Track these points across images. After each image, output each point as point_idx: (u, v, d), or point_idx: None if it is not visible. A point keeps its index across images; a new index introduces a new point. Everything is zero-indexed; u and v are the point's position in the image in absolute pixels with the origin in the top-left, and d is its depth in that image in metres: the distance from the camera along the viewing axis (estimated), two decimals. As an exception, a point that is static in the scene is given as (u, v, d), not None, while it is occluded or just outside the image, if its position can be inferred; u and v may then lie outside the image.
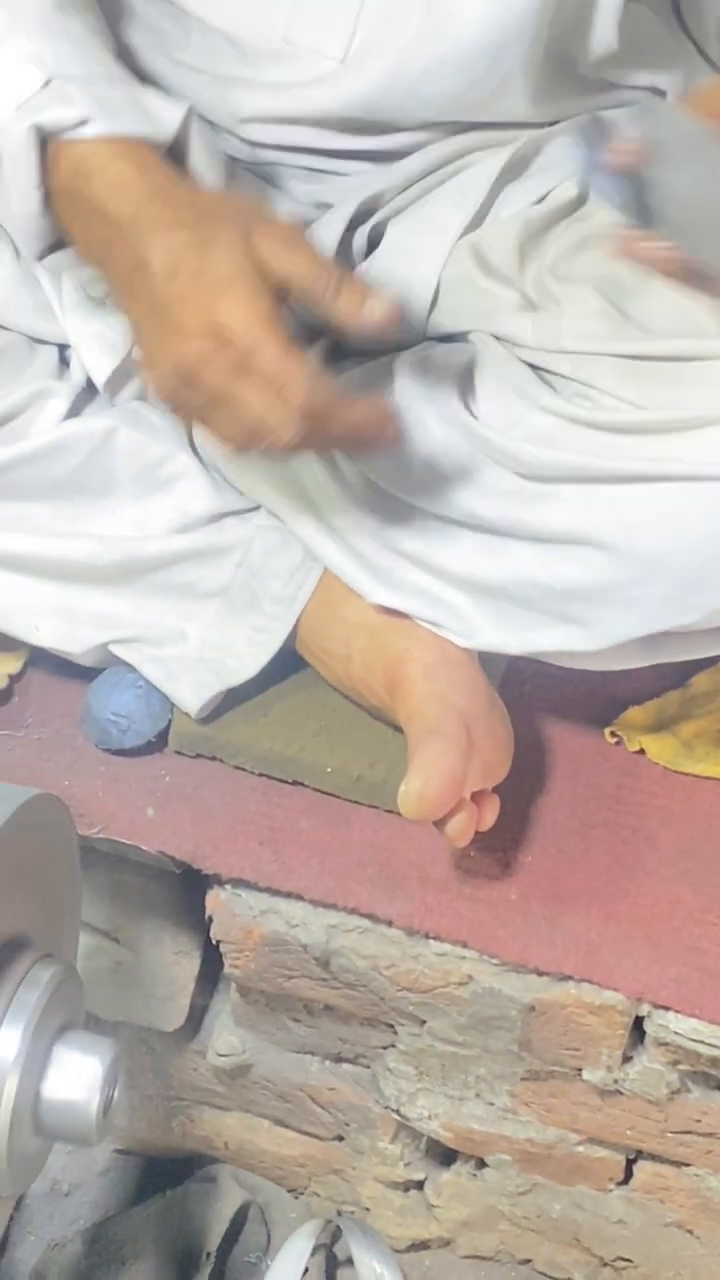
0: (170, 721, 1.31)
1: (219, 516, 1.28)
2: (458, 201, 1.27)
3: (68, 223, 1.14)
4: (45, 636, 1.29)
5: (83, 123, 1.11)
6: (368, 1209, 1.56)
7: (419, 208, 1.29)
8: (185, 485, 1.28)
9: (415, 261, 1.25)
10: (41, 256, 1.19)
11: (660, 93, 1.31)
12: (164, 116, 1.15)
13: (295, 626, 1.29)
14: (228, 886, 1.27)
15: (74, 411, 1.27)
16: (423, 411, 1.21)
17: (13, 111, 1.11)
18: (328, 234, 1.27)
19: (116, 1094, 1.01)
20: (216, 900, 1.28)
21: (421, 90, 1.24)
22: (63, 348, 1.31)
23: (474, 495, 1.18)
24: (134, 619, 1.29)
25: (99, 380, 1.26)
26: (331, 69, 1.25)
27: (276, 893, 1.25)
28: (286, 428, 1.07)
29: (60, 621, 1.29)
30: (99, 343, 1.26)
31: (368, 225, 1.28)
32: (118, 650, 1.30)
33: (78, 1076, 0.99)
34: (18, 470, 1.25)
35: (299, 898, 1.25)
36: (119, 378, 1.26)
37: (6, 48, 1.13)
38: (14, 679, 1.36)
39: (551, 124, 1.30)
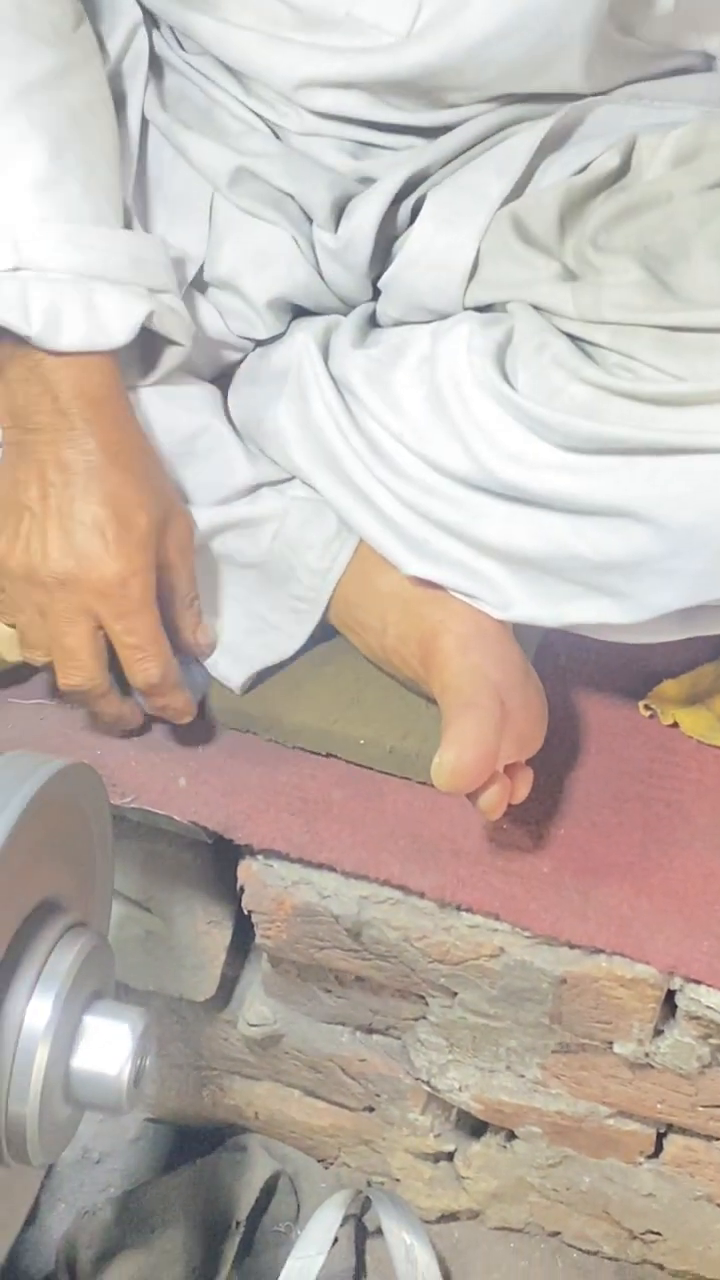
0: (206, 694, 1.31)
1: (255, 488, 1.28)
2: (499, 170, 1.26)
3: (9, 390, 1.19)
4: None
5: (33, 329, 1.15)
6: (398, 1180, 1.56)
7: (460, 176, 1.28)
8: (220, 457, 1.28)
9: (455, 230, 1.24)
10: None
11: (710, 57, 1.30)
12: (115, 327, 1.18)
13: (330, 598, 1.28)
14: (260, 857, 1.27)
15: None
16: (461, 380, 1.20)
17: None
18: (371, 208, 1.26)
19: (148, 1063, 1.01)
20: (248, 871, 1.28)
21: (481, 55, 1.23)
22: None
23: (511, 466, 1.17)
24: None
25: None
26: (393, 41, 1.24)
27: (309, 864, 1.25)
28: (94, 683, 1.21)
29: None
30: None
31: (411, 199, 1.28)
32: None
33: (109, 1046, 0.99)
34: None
35: (331, 869, 1.25)
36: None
37: None
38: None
39: (596, 95, 1.29)
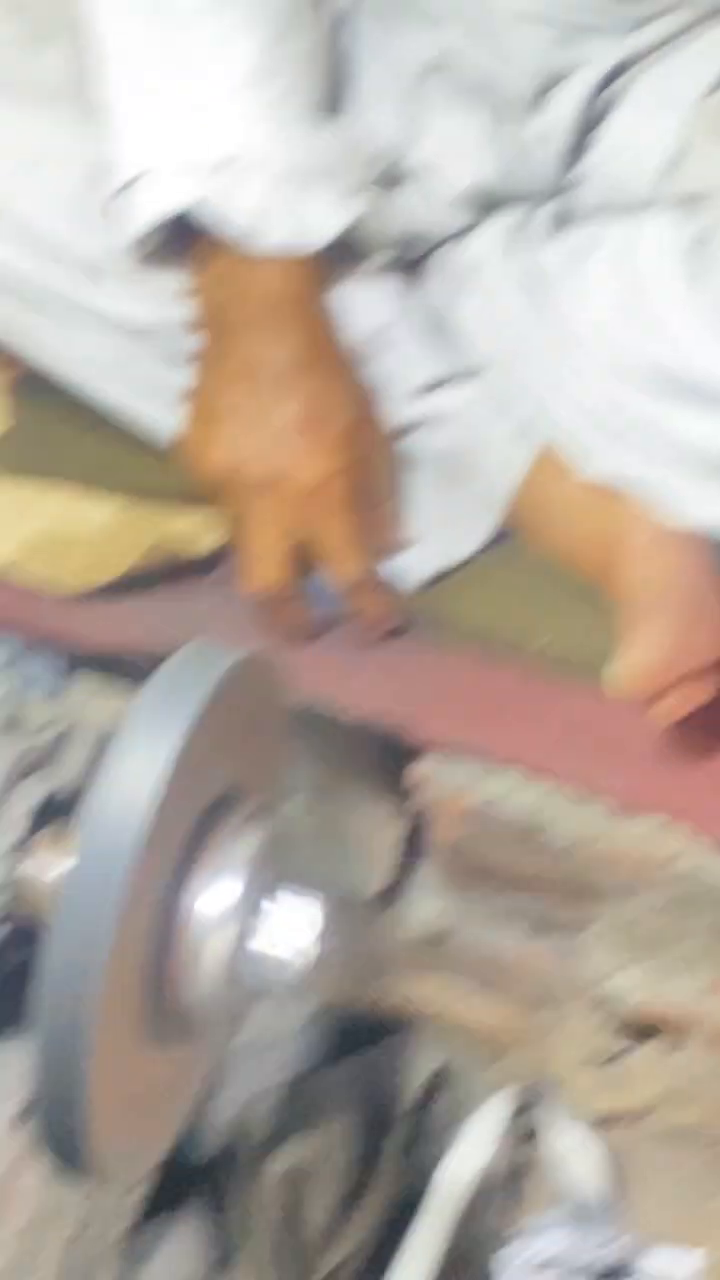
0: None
1: (440, 383, 1.27)
2: (703, 60, 1.23)
3: (209, 288, 1.20)
4: None
5: (237, 229, 1.15)
6: (562, 1081, 1.57)
7: (663, 66, 1.25)
8: (407, 351, 1.27)
9: (656, 120, 1.22)
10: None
11: None
12: (317, 232, 1.17)
13: (510, 497, 1.28)
14: (435, 755, 1.27)
15: None
16: (656, 274, 1.18)
17: (176, 171, 1.16)
18: (572, 98, 1.24)
19: (325, 950, 1.02)
20: (423, 768, 1.28)
21: None
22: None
23: (703, 364, 1.16)
24: None
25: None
26: None
27: (485, 762, 1.25)
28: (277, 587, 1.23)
29: None
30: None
31: (612, 88, 1.25)
32: None
33: (287, 931, 1.00)
34: None
35: (507, 768, 1.25)
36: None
37: (205, 105, 1.16)
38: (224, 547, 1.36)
39: None
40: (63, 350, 1.30)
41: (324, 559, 1.22)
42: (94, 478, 1.39)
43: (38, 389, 1.40)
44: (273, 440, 1.17)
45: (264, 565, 1.21)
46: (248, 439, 1.18)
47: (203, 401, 1.20)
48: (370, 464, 1.21)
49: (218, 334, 1.19)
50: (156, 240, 1.20)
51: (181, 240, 1.20)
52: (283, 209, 1.16)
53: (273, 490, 1.18)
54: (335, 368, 1.19)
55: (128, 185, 1.17)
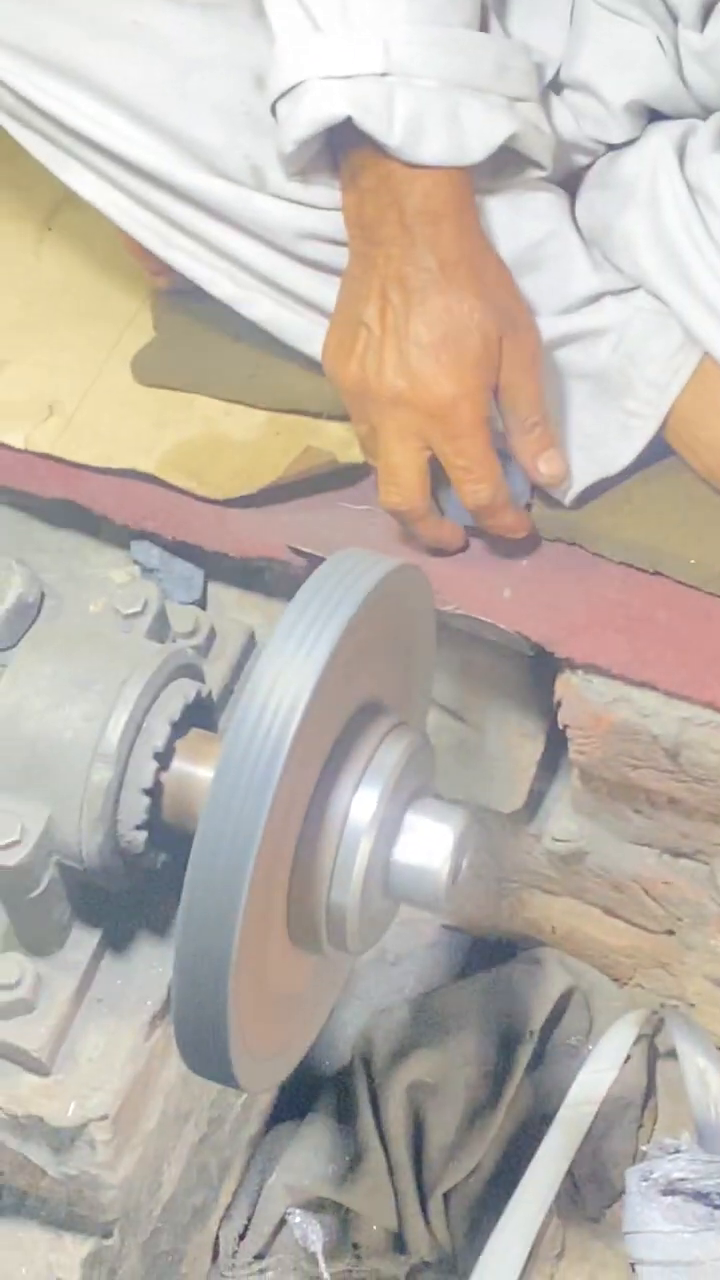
0: (529, 505, 1.29)
1: (598, 297, 1.26)
2: None
3: (359, 199, 1.18)
4: None
5: (393, 140, 1.14)
6: (693, 1005, 1.56)
7: None
8: (565, 264, 1.25)
9: None
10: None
11: None
12: (475, 144, 1.16)
13: (667, 414, 1.26)
14: (580, 672, 1.26)
15: None
16: None
17: (335, 80, 1.14)
18: None
19: (466, 863, 1.02)
20: (567, 685, 1.28)
21: None
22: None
23: None
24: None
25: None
26: None
27: (630, 681, 1.24)
28: (411, 504, 1.21)
29: None
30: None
31: None
32: None
33: (430, 842, 1.00)
34: None
35: (653, 688, 1.24)
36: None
37: (365, 13, 1.15)
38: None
39: None
40: (215, 260, 1.29)
41: (453, 480, 1.20)
42: (238, 391, 1.39)
43: (183, 301, 1.40)
44: (408, 356, 1.16)
45: (398, 480, 1.20)
46: (385, 353, 1.17)
47: (345, 313, 1.19)
48: (515, 383, 1.19)
49: (366, 246, 1.18)
50: (314, 149, 1.19)
51: (338, 150, 1.19)
52: (440, 120, 1.14)
53: (406, 406, 1.17)
54: (482, 284, 1.17)
55: (286, 93, 1.16)
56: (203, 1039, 0.94)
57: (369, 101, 1.14)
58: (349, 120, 1.14)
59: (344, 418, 1.30)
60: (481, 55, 1.17)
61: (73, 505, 1.37)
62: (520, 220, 1.25)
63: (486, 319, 1.16)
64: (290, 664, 0.91)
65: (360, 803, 0.98)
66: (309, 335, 1.29)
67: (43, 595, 1.35)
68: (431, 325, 1.16)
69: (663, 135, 1.26)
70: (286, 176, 1.22)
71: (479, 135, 1.16)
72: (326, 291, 1.25)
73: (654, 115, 1.30)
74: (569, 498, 1.27)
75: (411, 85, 1.14)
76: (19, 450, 1.38)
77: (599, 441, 1.26)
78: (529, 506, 1.29)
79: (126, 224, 1.31)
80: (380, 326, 1.17)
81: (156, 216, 1.30)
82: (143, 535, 1.36)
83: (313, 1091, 1.60)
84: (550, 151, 1.23)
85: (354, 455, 1.31)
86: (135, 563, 1.37)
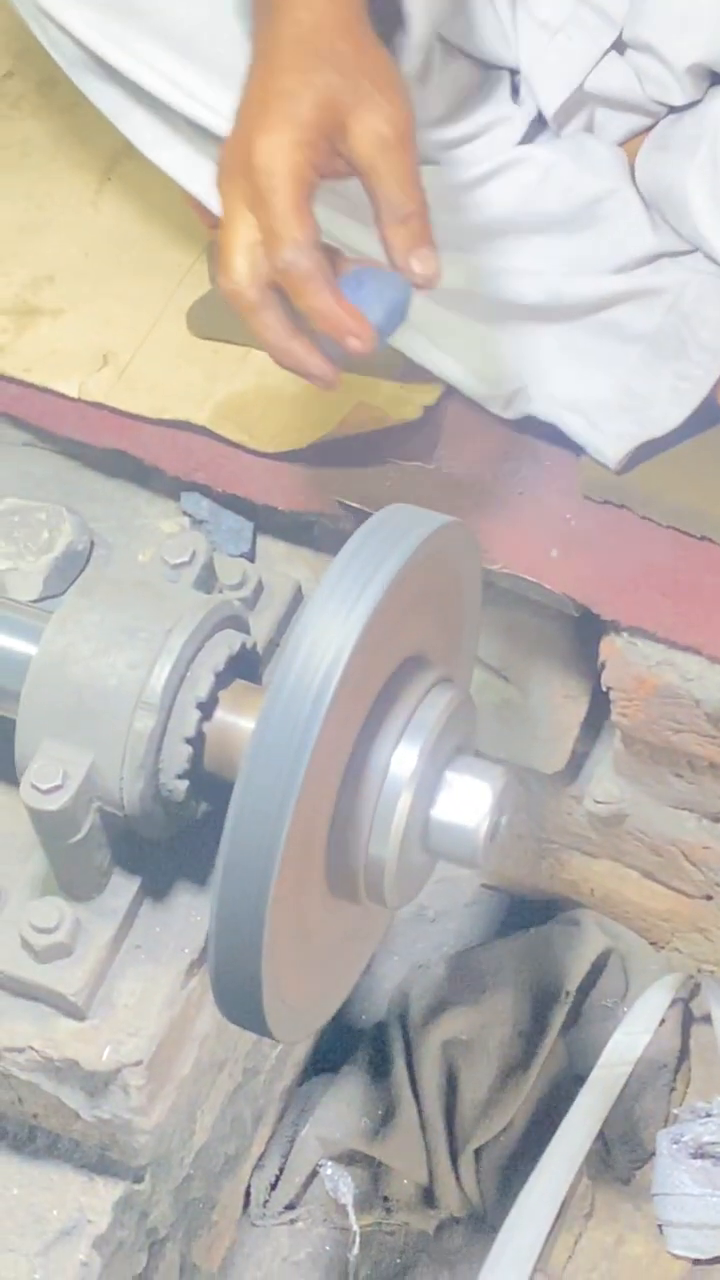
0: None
1: (655, 257, 1.25)
2: None
3: None
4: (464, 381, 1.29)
5: None
6: (729, 970, 1.57)
7: None
8: (623, 223, 1.25)
9: None
10: None
11: None
12: None
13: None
14: (625, 634, 1.26)
15: (526, 139, 1.25)
16: None
17: None
18: None
19: (504, 821, 1.02)
20: (612, 647, 1.28)
21: None
22: (514, 74, 1.28)
23: None
24: (554, 366, 1.28)
25: (548, 110, 1.23)
26: None
27: (675, 645, 1.24)
28: (246, 282, 1.01)
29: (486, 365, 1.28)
30: (551, 73, 1.24)
31: None
32: (534, 411, 1.29)
33: (469, 799, 1.00)
34: (460, 198, 1.23)
35: (698, 652, 1.24)
36: (568, 109, 1.24)
37: None
38: (429, 410, 1.35)
39: None
40: None
41: (262, 233, 1.01)
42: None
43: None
44: (244, 115, 1.01)
45: (224, 258, 1.02)
46: (236, 125, 1.03)
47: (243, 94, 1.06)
48: (373, 165, 1.02)
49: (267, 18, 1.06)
50: None
51: None
52: None
53: (228, 166, 1.02)
54: (336, 55, 1.02)
55: None
56: (237, 985, 0.94)
57: None
58: None
59: (396, 376, 1.30)
60: None
61: (125, 456, 1.38)
62: (581, 176, 1.24)
63: (329, 83, 1.02)
64: (334, 618, 0.91)
65: (401, 758, 0.98)
66: None
67: (92, 544, 1.35)
68: (267, 84, 1.03)
69: None
70: None
71: None
72: (369, 242, 1.24)
73: (716, 78, 1.29)
74: (615, 461, 1.26)
75: None
76: (73, 399, 1.39)
77: (648, 403, 1.26)
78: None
79: (185, 179, 1.30)
80: (251, 77, 1.06)
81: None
82: (193, 487, 1.37)
83: (348, 1045, 1.61)
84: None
85: (405, 413, 1.32)
86: (185, 514, 1.38)
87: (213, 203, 1.28)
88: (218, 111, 1.23)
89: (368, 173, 1.02)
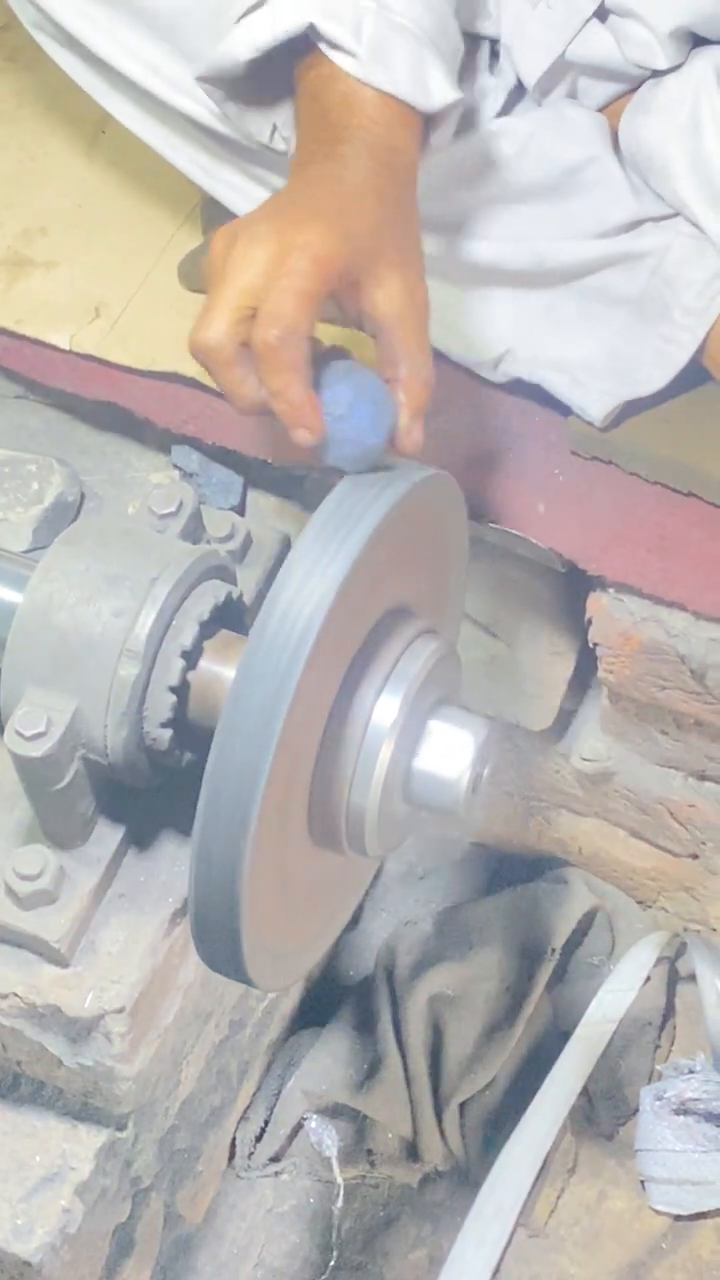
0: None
1: (638, 223, 1.25)
2: None
3: (309, 104, 1.10)
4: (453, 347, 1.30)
5: (351, 56, 1.06)
6: (715, 930, 1.57)
7: None
8: (605, 190, 1.25)
9: None
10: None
11: None
12: (436, 92, 1.09)
13: (705, 339, 1.25)
14: (611, 590, 1.27)
15: (505, 110, 1.25)
16: None
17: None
18: None
19: (486, 773, 1.02)
20: (598, 603, 1.28)
21: None
22: (494, 43, 1.28)
23: None
24: (541, 330, 1.28)
25: (529, 80, 1.23)
26: None
27: (660, 601, 1.25)
28: (225, 339, 0.99)
29: (473, 329, 1.29)
30: (533, 44, 1.24)
31: None
32: (520, 373, 1.29)
33: (451, 749, 1.01)
34: (441, 170, 1.23)
35: (682, 608, 1.24)
36: (549, 78, 1.23)
37: None
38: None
39: None
40: (260, 194, 1.28)
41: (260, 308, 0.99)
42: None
43: (230, 209, 1.40)
44: (267, 220, 1.01)
45: (214, 313, 1.00)
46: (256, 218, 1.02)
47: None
48: (385, 325, 1.03)
49: (314, 148, 1.08)
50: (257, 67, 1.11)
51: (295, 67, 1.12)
52: (405, 56, 1.07)
53: (271, 241, 1.00)
54: (367, 208, 1.03)
55: (252, 9, 1.10)
56: (219, 932, 0.95)
57: (338, 11, 1.08)
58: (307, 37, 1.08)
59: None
60: (449, 28, 1.14)
61: (116, 408, 1.38)
62: (560, 145, 1.24)
63: (356, 238, 1.02)
64: (315, 568, 0.91)
65: (383, 707, 0.99)
66: None
67: (83, 496, 1.36)
68: (299, 202, 1.04)
69: (706, 61, 1.25)
70: (216, 101, 1.17)
71: (439, 86, 1.10)
72: None
73: (699, 41, 1.29)
74: (600, 418, 1.26)
75: (384, 15, 1.09)
76: (64, 351, 1.39)
77: (633, 365, 1.26)
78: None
79: (168, 154, 1.31)
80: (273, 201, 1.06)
81: (198, 149, 1.29)
82: (184, 440, 1.37)
83: (335, 1000, 1.61)
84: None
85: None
86: (175, 468, 1.38)
87: (194, 174, 1.29)
88: (197, 99, 1.23)
89: (394, 326, 1.02)
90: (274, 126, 1.17)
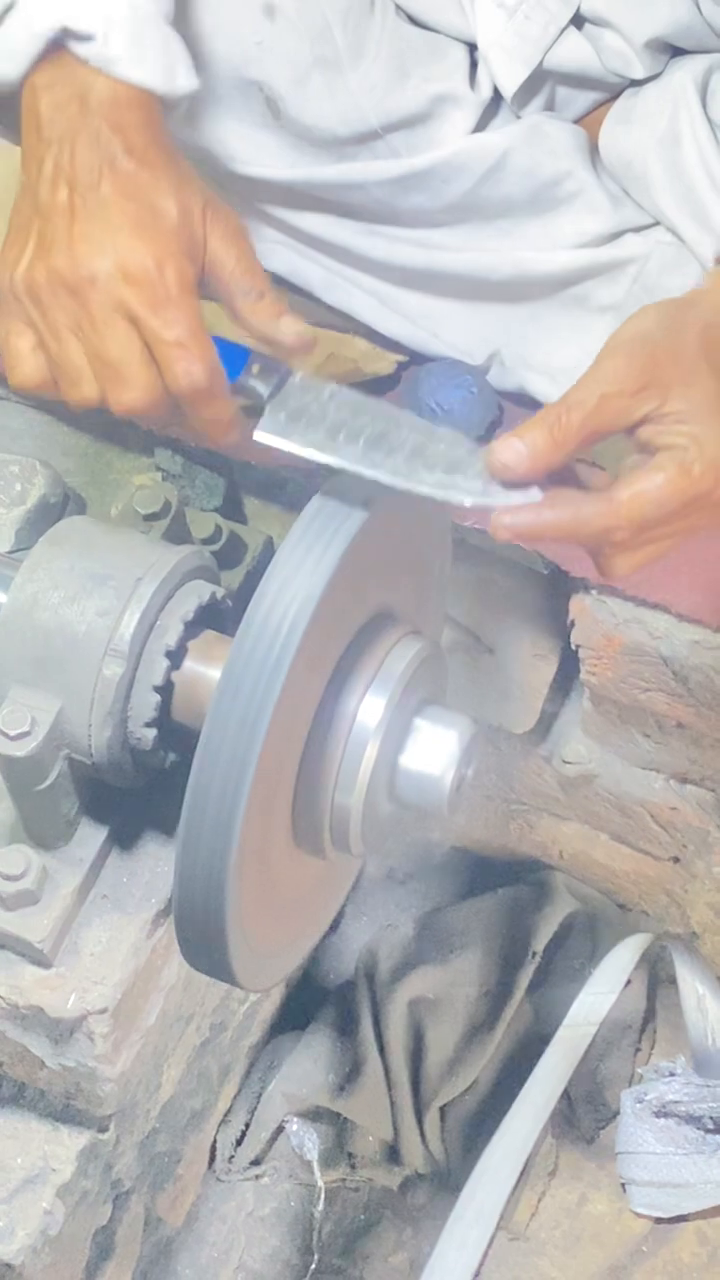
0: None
1: (619, 233, 1.26)
2: None
3: (31, 110, 1.08)
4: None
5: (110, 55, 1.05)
6: (695, 934, 1.57)
7: None
8: (583, 202, 1.25)
9: None
10: None
11: None
12: (182, 77, 1.08)
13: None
14: (594, 592, 1.27)
15: (480, 126, 1.25)
16: None
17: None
18: None
19: (470, 772, 1.03)
20: (581, 605, 1.28)
21: None
22: (472, 48, 1.28)
23: None
24: (525, 337, 1.28)
25: (507, 92, 1.24)
26: None
27: (643, 603, 1.25)
28: (150, 395, 1.02)
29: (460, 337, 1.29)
30: (509, 55, 1.24)
31: None
32: (503, 377, 1.29)
33: (436, 748, 1.01)
34: (417, 186, 1.23)
35: (665, 610, 1.25)
36: (528, 89, 1.24)
37: None
38: (401, 366, 1.36)
39: None
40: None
41: (161, 359, 1.02)
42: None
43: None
44: (105, 231, 1.02)
45: (123, 375, 1.03)
46: (76, 238, 1.03)
47: (20, 216, 1.07)
48: (223, 257, 1.05)
49: (39, 149, 1.06)
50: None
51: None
52: (158, 44, 1.06)
53: (108, 283, 1.02)
54: (168, 166, 1.04)
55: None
56: (203, 932, 0.95)
57: (85, 11, 1.05)
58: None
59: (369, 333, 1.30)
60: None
61: (98, 410, 1.37)
62: (538, 157, 1.24)
63: (181, 190, 1.05)
64: (299, 570, 0.91)
65: (368, 707, 0.99)
66: (329, 284, 1.29)
67: (67, 498, 1.35)
68: (125, 198, 1.04)
69: (685, 72, 1.25)
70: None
71: (186, 71, 1.09)
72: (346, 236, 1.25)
73: (677, 51, 1.29)
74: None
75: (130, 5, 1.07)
76: (47, 353, 1.38)
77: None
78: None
79: None
80: (68, 215, 1.05)
81: None
82: (166, 443, 1.37)
83: (316, 1003, 1.61)
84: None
85: (379, 367, 1.32)
86: (159, 469, 1.38)
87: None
88: None
89: (219, 264, 1.04)
90: None
